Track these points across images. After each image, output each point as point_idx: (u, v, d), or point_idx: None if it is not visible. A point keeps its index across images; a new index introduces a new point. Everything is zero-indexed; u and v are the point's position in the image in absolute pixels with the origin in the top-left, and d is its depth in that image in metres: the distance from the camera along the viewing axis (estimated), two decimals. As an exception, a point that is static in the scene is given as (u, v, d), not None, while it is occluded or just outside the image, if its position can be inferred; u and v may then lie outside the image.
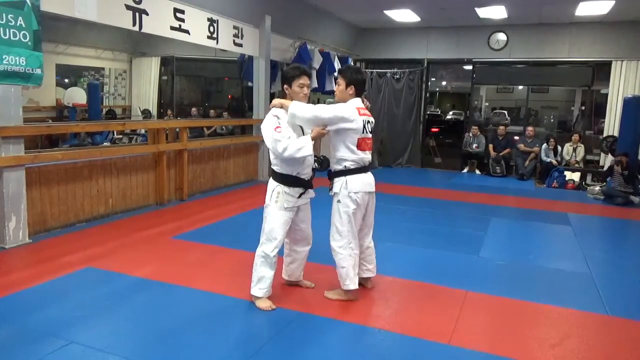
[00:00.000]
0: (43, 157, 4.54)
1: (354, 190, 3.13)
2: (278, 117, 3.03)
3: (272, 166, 3.16)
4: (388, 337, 2.85)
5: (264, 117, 3.14)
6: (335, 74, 9.09)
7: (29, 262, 3.94)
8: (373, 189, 3.26)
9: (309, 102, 3.24)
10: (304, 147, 2.97)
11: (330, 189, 3.23)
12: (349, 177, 3.14)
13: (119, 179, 5.40)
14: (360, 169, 3.18)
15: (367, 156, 3.21)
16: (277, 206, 3.08)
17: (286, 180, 3.09)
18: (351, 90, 3.18)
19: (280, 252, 3.18)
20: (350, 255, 3.16)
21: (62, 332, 2.72)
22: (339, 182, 3.17)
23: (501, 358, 2.64)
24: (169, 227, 5.00)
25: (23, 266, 3.85)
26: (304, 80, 3.11)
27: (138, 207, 5.66)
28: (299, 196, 3.13)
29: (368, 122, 3.19)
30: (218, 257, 4.15)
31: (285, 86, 3.16)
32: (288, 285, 3.49)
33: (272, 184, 3.14)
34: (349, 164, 3.15)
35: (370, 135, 3.23)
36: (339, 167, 3.18)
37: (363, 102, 3.27)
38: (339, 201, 3.17)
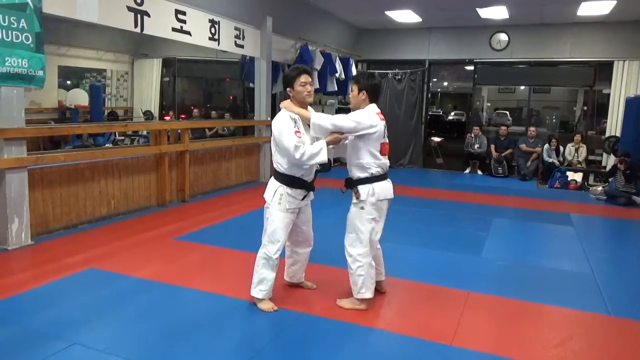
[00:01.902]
0: (45, 159, 4.55)
1: (381, 197, 3.09)
2: (295, 121, 3.00)
3: (275, 166, 3.13)
4: (390, 338, 2.85)
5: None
6: (337, 74, 9.16)
7: (31, 263, 3.95)
8: (392, 195, 3.22)
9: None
10: (320, 154, 2.94)
11: (356, 196, 3.11)
12: (376, 184, 3.09)
13: (120, 180, 5.41)
14: (384, 175, 3.15)
15: (387, 161, 3.19)
16: (280, 208, 3.05)
17: (290, 181, 3.06)
18: (363, 95, 3.12)
19: (282, 254, 3.18)
20: (369, 264, 3.12)
21: (64, 333, 2.72)
22: (364, 189, 3.09)
23: (503, 359, 2.63)
24: (170, 228, 5.01)
25: (25, 268, 3.86)
26: (304, 78, 3.05)
27: (140, 209, 5.67)
28: (303, 198, 3.11)
29: (384, 126, 3.16)
30: (220, 258, 4.15)
31: (288, 89, 3.10)
32: (290, 286, 3.49)
33: (274, 183, 3.10)
34: (375, 171, 3.10)
35: (387, 140, 3.19)
36: (364, 175, 3.10)
37: None
38: (362, 208, 3.09)
